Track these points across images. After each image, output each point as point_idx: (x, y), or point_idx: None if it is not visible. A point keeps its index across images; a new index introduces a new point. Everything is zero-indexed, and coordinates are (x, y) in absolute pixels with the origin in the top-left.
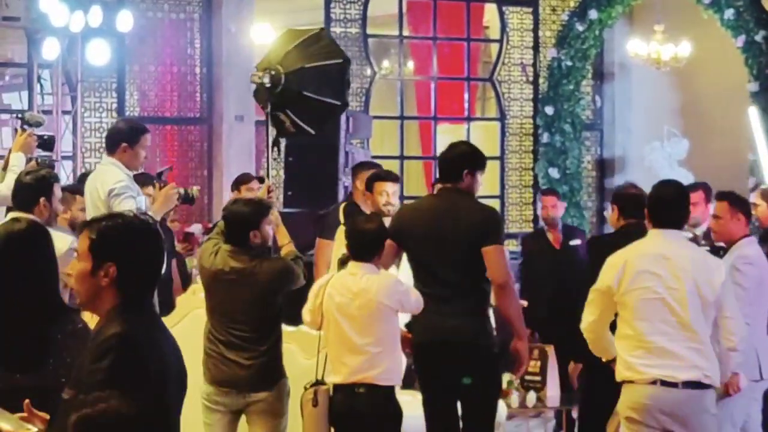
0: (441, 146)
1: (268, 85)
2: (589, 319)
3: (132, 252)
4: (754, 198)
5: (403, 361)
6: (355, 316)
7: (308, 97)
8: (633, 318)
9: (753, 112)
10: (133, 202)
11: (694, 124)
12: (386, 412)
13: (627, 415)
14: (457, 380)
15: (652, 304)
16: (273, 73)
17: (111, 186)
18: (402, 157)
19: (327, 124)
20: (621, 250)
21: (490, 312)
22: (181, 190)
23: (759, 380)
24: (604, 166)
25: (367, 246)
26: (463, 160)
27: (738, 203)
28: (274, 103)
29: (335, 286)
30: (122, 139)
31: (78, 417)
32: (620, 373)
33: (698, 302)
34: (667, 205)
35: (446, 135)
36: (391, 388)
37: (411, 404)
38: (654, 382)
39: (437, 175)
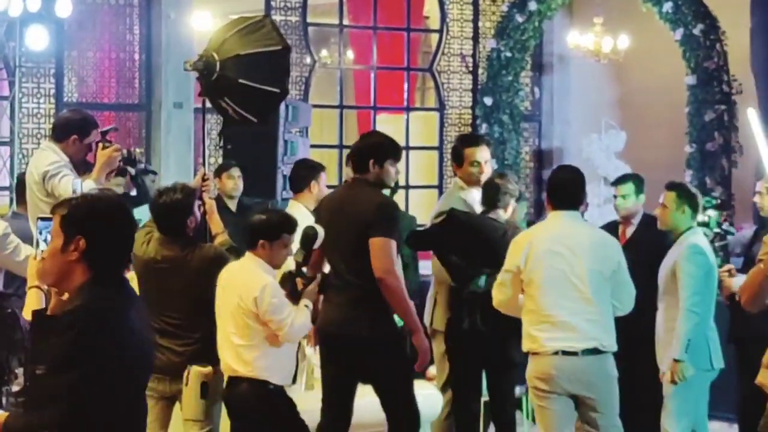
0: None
1: (203, 73)
2: (500, 298)
3: (100, 225)
4: (759, 187)
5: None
6: None
7: (245, 84)
8: (538, 294)
9: (752, 113)
10: (73, 178)
11: (631, 116)
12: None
13: (534, 385)
14: (350, 371)
15: (555, 281)
16: (208, 60)
17: (45, 168)
18: (341, 146)
19: (268, 112)
20: (525, 232)
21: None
22: (124, 151)
23: (710, 370)
24: (542, 158)
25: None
26: (370, 151)
27: (685, 195)
28: (212, 90)
29: None
30: (74, 130)
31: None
32: (526, 345)
33: (597, 277)
34: (563, 189)
35: (386, 125)
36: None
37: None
38: (556, 353)
39: None
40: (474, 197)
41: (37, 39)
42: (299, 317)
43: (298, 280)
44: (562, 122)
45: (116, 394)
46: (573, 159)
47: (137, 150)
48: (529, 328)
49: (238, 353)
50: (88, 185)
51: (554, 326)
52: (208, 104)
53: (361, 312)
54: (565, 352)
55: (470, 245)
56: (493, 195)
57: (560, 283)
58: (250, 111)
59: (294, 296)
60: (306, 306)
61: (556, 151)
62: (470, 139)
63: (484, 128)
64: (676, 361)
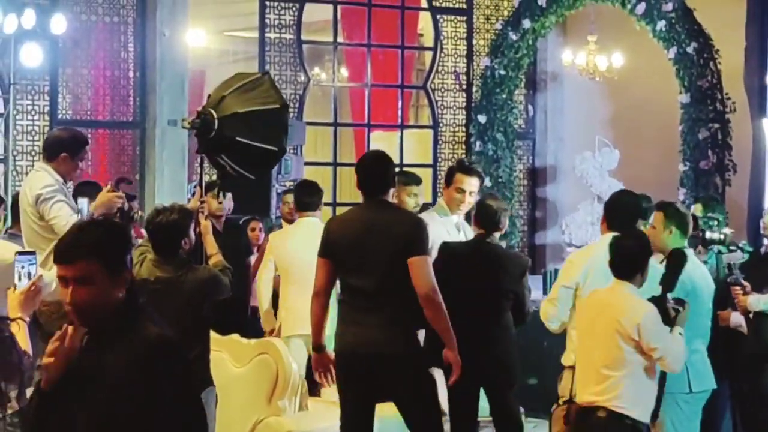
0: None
1: (200, 130)
2: (553, 313)
3: (126, 247)
4: None
5: None
6: None
7: (243, 143)
8: None
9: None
10: (65, 205)
11: (625, 134)
12: None
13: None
14: (377, 390)
15: None
16: (206, 117)
17: (38, 191)
18: (335, 164)
19: (266, 169)
20: (582, 250)
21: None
22: (125, 207)
23: (688, 392)
24: (536, 176)
25: None
26: (391, 172)
27: (673, 216)
28: (210, 148)
29: None
30: (64, 149)
31: None
32: (572, 358)
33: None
34: (621, 211)
35: (379, 142)
36: None
37: None
38: None
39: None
40: (452, 222)
41: (32, 56)
42: (677, 345)
43: (669, 306)
44: (555, 140)
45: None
46: (567, 177)
47: (140, 213)
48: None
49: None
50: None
51: None
52: None
53: (398, 331)
54: None
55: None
56: (493, 218)
57: None
58: (248, 168)
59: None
60: (680, 333)
61: (550, 169)
62: (464, 167)
63: (478, 146)
64: None
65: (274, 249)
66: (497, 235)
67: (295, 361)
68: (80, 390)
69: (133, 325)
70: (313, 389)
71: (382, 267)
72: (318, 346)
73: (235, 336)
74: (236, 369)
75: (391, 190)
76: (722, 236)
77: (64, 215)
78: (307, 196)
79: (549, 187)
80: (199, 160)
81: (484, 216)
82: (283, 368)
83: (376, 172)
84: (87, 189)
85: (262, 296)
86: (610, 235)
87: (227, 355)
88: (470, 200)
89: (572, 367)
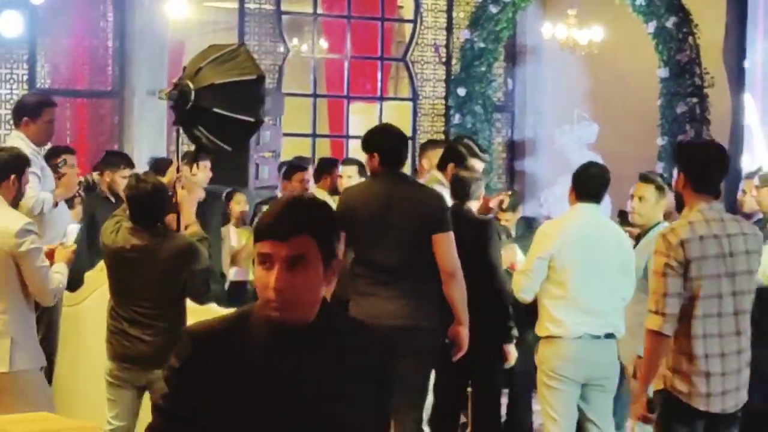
0: (353, 125)
1: (177, 102)
2: (527, 284)
3: (338, 234)
4: (745, 185)
5: None
6: None
7: (220, 114)
8: (570, 281)
9: (749, 99)
10: (35, 179)
11: (604, 108)
12: None
13: (551, 368)
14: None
15: (587, 270)
16: (183, 89)
17: None
18: (314, 135)
19: (243, 141)
20: (553, 222)
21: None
22: (82, 179)
23: None
24: (514, 149)
25: None
26: (405, 146)
27: (662, 189)
28: (186, 119)
29: None
30: (24, 112)
31: None
32: (546, 330)
33: (619, 269)
34: (591, 183)
35: (359, 114)
36: None
37: None
38: (580, 337)
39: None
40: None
41: (11, 25)
42: None
43: None
44: (534, 113)
45: None
46: (545, 150)
47: (94, 174)
48: (555, 313)
49: None
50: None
51: (583, 312)
52: None
53: (420, 305)
54: (589, 336)
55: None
56: (465, 188)
57: (591, 271)
58: (225, 140)
59: None
60: None
61: (529, 142)
62: (476, 153)
63: (457, 119)
64: (640, 357)
65: None
66: (473, 204)
67: None
68: (266, 401)
69: (334, 322)
70: None
71: (406, 242)
72: None
73: (212, 305)
74: None
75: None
76: None
77: (32, 192)
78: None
79: (527, 160)
80: (176, 131)
81: (457, 186)
82: None
83: (394, 144)
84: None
85: None
86: (579, 206)
87: None
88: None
89: (549, 338)
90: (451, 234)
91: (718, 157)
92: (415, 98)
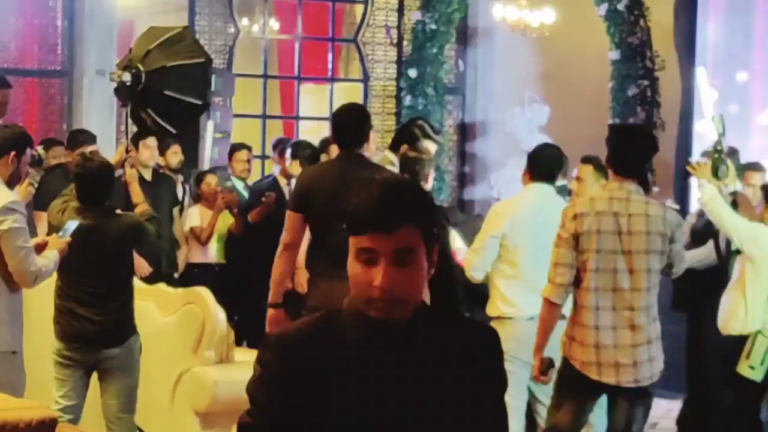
0: (304, 106)
1: (128, 84)
2: (478, 262)
3: (436, 218)
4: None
5: None
6: None
7: (170, 96)
8: (521, 261)
9: (702, 72)
10: None
11: (555, 90)
12: None
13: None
14: None
15: (538, 249)
16: (134, 71)
17: None
18: (264, 116)
19: (189, 123)
20: (505, 202)
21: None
22: (35, 154)
23: None
24: (465, 131)
25: None
26: (367, 122)
27: (602, 168)
28: (136, 101)
29: None
30: None
31: None
32: (497, 310)
33: None
34: (544, 163)
35: (309, 95)
36: None
37: None
38: (532, 318)
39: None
40: None
41: None
42: None
43: None
44: (486, 95)
45: None
46: (496, 132)
47: (39, 148)
48: (506, 293)
49: None
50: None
51: (533, 292)
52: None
53: None
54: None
55: None
56: (412, 168)
57: (542, 251)
58: (172, 122)
59: None
60: None
61: (480, 125)
62: (429, 136)
63: (408, 100)
64: None
65: None
66: (424, 185)
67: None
68: (365, 403)
69: (433, 318)
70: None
71: None
72: (276, 303)
73: (162, 285)
74: (162, 318)
75: (365, 145)
76: None
77: None
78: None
79: (478, 142)
80: (125, 111)
81: (405, 167)
82: (209, 318)
83: (353, 124)
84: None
85: None
86: (532, 186)
87: (153, 305)
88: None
89: (500, 318)
90: None
91: (639, 142)
92: (366, 79)
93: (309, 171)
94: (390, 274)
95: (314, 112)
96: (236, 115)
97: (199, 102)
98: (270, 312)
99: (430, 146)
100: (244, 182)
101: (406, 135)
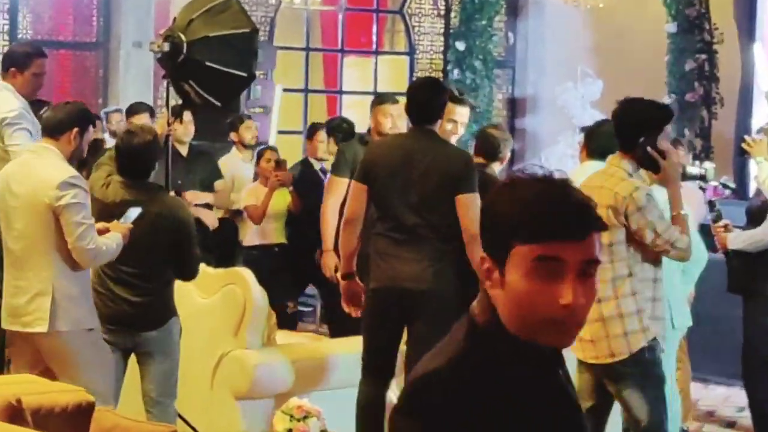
0: (347, 80)
1: (168, 54)
2: None
3: None
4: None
5: None
6: None
7: (212, 68)
8: None
9: (759, 47)
10: (27, 134)
11: (609, 64)
12: None
13: None
14: (403, 328)
15: None
16: (174, 41)
17: (4, 114)
18: (306, 90)
19: (234, 96)
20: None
21: None
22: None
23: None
24: (515, 106)
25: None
26: (444, 98)
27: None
28: (177, 72)
29: None
30: (12, 63)
31: None
32: None
33: None
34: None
35: (353, 68)
36: None
37: None
38: None
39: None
40: None
41: None
42: None
43: None
44: (536, 69)
45: None
46: (547, 107)
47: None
48: None
49: None
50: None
51: None
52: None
53: (437, 268)
54: None
55: None
56: (495, 147)
57: None
58: (215, 95)
59: None
60: None
61: (530, 99)
62: (455, 96)
63: (455, 74)
64: None
65: None
66: (497, 166)
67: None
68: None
69: None
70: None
71: (427, 201)
72: (347, 274)
73: (202, 265)
74: (202, 300)
75: (439, 122)
76: (703, 171)
77: (24, 145)
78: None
79: (528, 118)
80: (165, 84)
81: (486, 144)
82: (250, 299)
83: (425, 99)
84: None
85: None
86: (589, 164)
87: (193, 285)
88: (461, 131)
89: None
90: (477, 195)
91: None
92: (412, 52)
93: (377, 143)
94: (577, 289)
95: (358, 87)
96: None
97: (243, 74)
98: (343, 284)
99: (461, 111)
100: (322, 164)
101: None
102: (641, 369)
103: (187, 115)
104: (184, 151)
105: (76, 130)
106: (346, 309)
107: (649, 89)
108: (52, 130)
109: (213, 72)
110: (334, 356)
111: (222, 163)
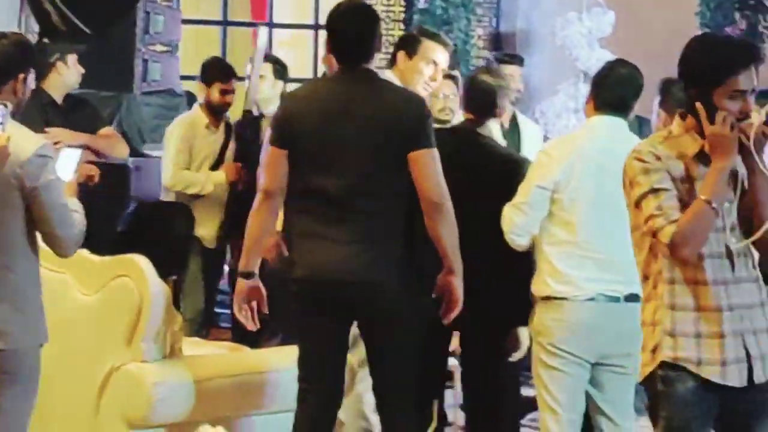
0: (278, 12)
1: None
2: (521, 221)
3: None
4: None
5: None
6: None
7: None
8: (580, 222)
9: None
10: None
11: None
12: None
13: (550, 341)
14: (349, 325)
15: (604, 207)
16: None
17: None
18: (225, 23)
19: (114, 23)
20: (563, 139)
21: None
22: None
23: None
24: (500, 44)
25: None
26: (376, 27)
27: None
28: None
29: None
30: None
31: None
32: (547, 289)
33: None
34: (618, 88)
35: None
36: None
37: None
38: (592, 299)
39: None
40: None
41: None
42: None
43: None
44: None
45: None
46: (543, 45)
47: None
48: (558, 265)
49: None
50: None
51: (597, 265)
52: None
53: (382, 252)
54: (605, 297)
55: None
56: (488, 98)
57: (609, 210)
58: (86, 20)
59: None
60: None
61: (520, 35)
62: (434, 34)
63: (422, 3)
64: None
65: None
66: (492, 124)
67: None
68: None
69: None
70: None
71: (366, 163)
72: (247, 273)
73: (84, 252)
74: (84, 297)
75: (376, 56)
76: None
77: None
78: None
79: None
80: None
81: (476, 95)
82: (147, 297)
83: (357, 29)
84: None
85: None
86: (597, 119)
87: (71, 278)
88: (440, 78)
89: (550, 299)
90: (435, 151)
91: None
92: None
93: (295, 93)
94: None
95: (293, 19)
96: (187, 21)
97: None
98: (240, 284)
99: (440, 54)
100: None
101: (403, 41)
102: None
103: (72, 56)
104: (59, 99)
105: (21, 76)
106: (240, 317)
107: (675, 22)
108: None
109: None
110: (262, 372)
111: (175, 126)
